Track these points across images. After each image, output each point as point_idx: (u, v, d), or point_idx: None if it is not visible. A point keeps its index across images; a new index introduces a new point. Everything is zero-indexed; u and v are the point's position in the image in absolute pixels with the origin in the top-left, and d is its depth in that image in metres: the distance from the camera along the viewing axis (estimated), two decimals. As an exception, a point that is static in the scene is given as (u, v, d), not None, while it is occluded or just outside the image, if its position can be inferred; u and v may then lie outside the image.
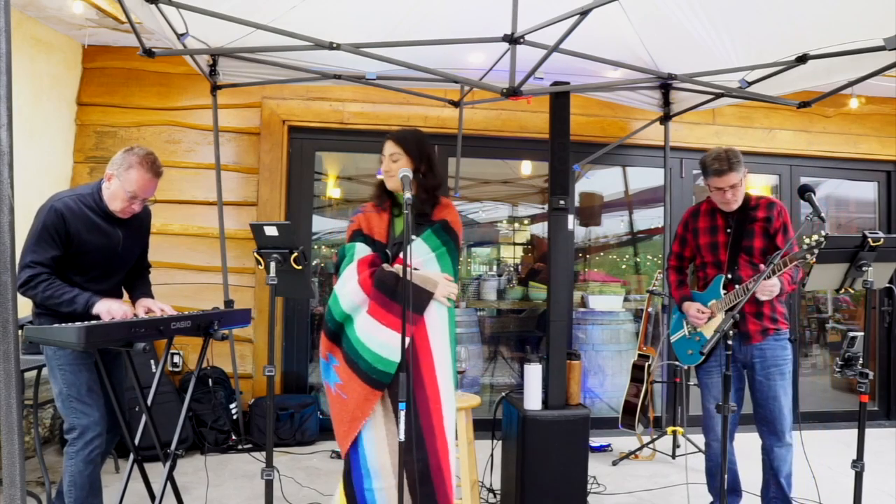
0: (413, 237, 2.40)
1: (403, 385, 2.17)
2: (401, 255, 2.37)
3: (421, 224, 2.45)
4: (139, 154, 2.55)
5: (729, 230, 2.93)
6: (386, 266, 2.40)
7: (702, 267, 3.06)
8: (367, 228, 2.50)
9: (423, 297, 2.34)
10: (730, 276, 2.90)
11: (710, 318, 2.93)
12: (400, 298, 2.27)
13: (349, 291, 2.36)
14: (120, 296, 2.78)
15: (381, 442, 2.35)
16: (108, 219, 2.60)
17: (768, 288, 2.71)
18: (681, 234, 3.15)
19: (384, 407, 2.38)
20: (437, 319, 2.38)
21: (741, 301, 2.49)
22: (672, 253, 3.20)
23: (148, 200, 2.66)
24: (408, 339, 2.24)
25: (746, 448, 4.53)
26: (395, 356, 2.28)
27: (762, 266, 2.80)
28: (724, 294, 2.89)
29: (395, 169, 2.45)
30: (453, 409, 2.41)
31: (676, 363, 2.64)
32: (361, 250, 2.44)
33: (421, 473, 2.29)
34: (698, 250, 3.05)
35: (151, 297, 2.84)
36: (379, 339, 2.31)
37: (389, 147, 2.51)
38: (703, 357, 2.93)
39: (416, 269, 2.36)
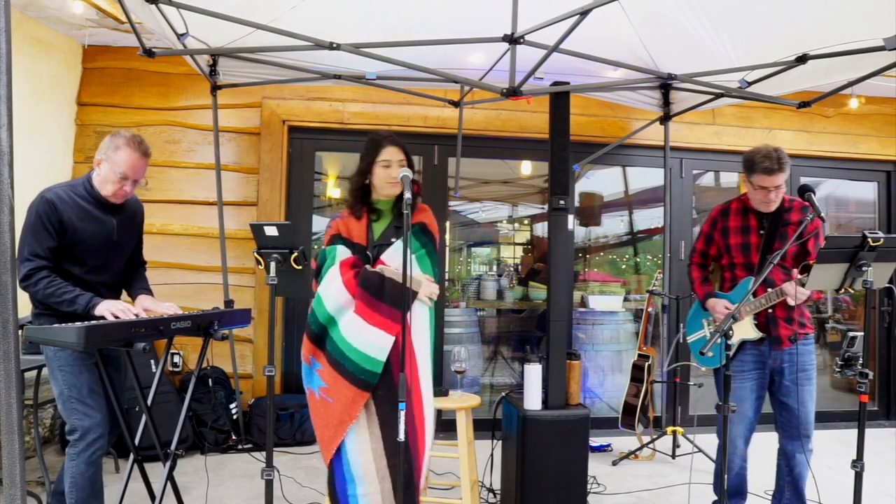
0: (393, 239, 2.48)
1: (391, 387, 2.25)
2: (381, 256, 2.46)
3: (400, 227, 2.46)
4: (125, 136, 2.56)
5: (762, 231, 2.86)
6: (368, 267, 2.44)
7: (729, 267, 2.99)
8: (345, 232, 2.51)
9: (408, 296, 2.36)
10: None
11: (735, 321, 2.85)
12: (385, 297, 2.35)
13: (333, 292, 2.39)
14: (120, 292, 2.77)
15: (364, 446, 2.37)
16: (100, 206, 2.60)
17: (801, 292, 2.66)
18: (707, 231, 3.07)
19: (367, 410, 2.39)
20: (420, 319, 2.43)
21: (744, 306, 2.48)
22: (695, 250, 3.13)
23: (140, 183, 2.63)
24: (394, 339, 2.33)
25: (752, 450, 4.54)
26: (381, 355, 2.34)
27: (794, 270, 2.76)
28: (754, 297, 2.81)
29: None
30: (432, 408, 2.45)
31: (694, 364, 2.57)
32: (342, 252, 2.46)
33: (406, 476, 2.30)
34: (727, 250, 2.97)
35: (150, 292, 2.83)
36: (366, 339, 2.35)
37: (398, 153, 2.48)
38: (726, 359, 2.89)
39: (397, 269, 2.40)
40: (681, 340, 4.97)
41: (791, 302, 2.72)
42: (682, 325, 4.99)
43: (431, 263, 2.51)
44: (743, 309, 2.83)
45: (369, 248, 2.50)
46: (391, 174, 2.46)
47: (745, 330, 2.87)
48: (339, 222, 2.55)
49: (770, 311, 2.84)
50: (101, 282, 2.59)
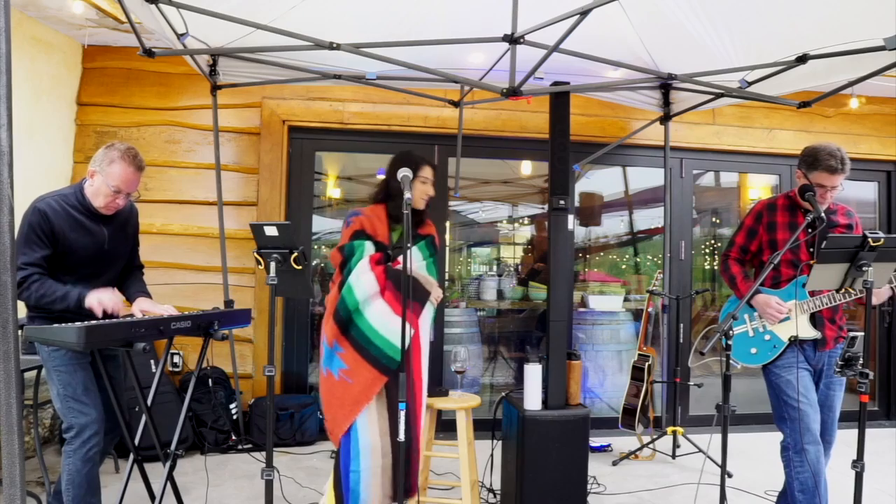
0: (410, 245, 2.74)
1: (402, 384, 2.41)
2: (399, 258, 2.76)
3: (415, 235, 2.86)
4: (120, 149, 2.55)
5: (811, 229, 2.72)
6: (390, 265, 2.76)
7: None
8: (371, 230, 2.78)
9: (424, 294, 2.78)
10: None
11: (783, 319, 2.79)
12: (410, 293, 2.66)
13: (365, 282, 2.66)
14: None
15: (373, 424, 2.65)
16: (91, 217, 2.60)
17: (880, 293, 2.62)
18: (750, 225, 2.96)
19: (378, 393, 2.68)
20: (427, 317, 2.82)
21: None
22: (734, 244, 3.01)
23: (132, 196, 2.65)
24: (412, 331, 2.64)
25: (750, 448, 4.55)
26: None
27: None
28: (811, 297, 2.75)
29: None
30: (425, 395, 2.84)
31: (732, 362, 2.48)
32: (370, 248, 2.75)
33: (405, 453, 2.54)
34: (771, 245, 2.87)
35: (148, 294, 2.83)
36: (392, 327, 2.62)
37: (431, 172, 2.89)
38: (775, 356, 2.82)
39: (416, 270, 2.78)
40: (683, 339, 4.99)
41: (875, 300, 2.64)
42: (682, 325, 5.02)
43: (436, 271, 2.93)
44: (798, 306, 2.78)
45: (390, 248, 2.81)
46: (427, 190, 2.87)
47: (801, 328, 2.78)
48: (364, 220, 2.80)
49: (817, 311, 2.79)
50: (92, 289, 2.59)
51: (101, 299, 2.45)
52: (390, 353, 2.62)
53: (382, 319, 2.64)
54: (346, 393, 2.64)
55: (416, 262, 2.84)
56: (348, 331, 2.66)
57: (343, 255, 2.73)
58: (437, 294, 2.82)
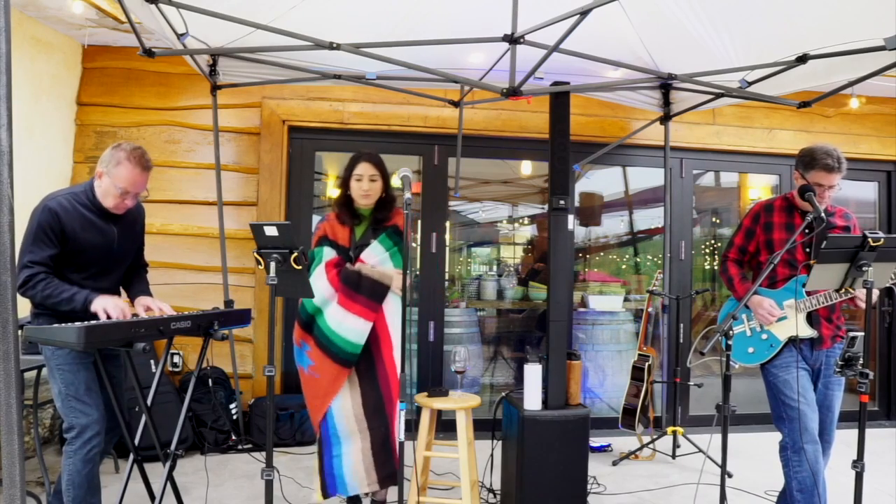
0: (371, 240, 2.92)
1: (369, 362, 2.77)
2: (361, 255, 2.91)
3: (376, 229, 2.95)
4: (126, 150, 2.54)
5: (808, 230, 2.74)
6: (348, 265, 2.89)
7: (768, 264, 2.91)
8: (332, 235, 2.96)
9: (382, 289, 2.86)
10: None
11: (779, 319, 2.80)
12: (362, 290, 2.83)
13: (320, 287, 2.81)
14: (118, 294, 2.77)
15: (347, 411, 2.84)
16: (102, 216, 2.60)
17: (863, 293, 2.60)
18: (748, 226, 2.98)
19: (350, 381, 2.87)
20: (392, 307, 2.89)
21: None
22: (733, 245, 3.03)
23: (140, 196, 2.66)
24: (371, 324, 2.81)
25: (750, 448, 4.55)
26: (361, 340, 2.81)
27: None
28: (808, 297, 2.76)
29: (375, 189, 2.91)
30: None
31: (732, 361, 2.49)
32: (328, 253, 2.92)
33: (383, 437, 2.80)
34: (768, 246, 2.89)
35: (150, 294, 2.84)
36: (347, 326, 2.81)
37: (369, 168, 2.91)
38: (772, 355, 2.82)
39: (372, 267, 2.88)
40: (683, 339, 4.99)
41: (861, 304, 2.67)
42: (682, 325, 5.02)
43: (402, 259, 2.94)
44: (795, 306, 2.78)
45: (351, 248, 2.94)
46: (362, 187, 2.90)
47: (799, 328, 2.78)
48: (326, 225, 2.99)
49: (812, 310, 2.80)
50: (100, 287, 2.59)
51: (107, 307, 2.44)
52: (349, 350, 2.81)
53: (337, 320, 2.81)
54: (317, 386, 2.86)
55: (377, 255, 2.90)
56: (311, 331, 2.87)
57: (307, 261, 2.89)
58: (398, 283, 2.85)
